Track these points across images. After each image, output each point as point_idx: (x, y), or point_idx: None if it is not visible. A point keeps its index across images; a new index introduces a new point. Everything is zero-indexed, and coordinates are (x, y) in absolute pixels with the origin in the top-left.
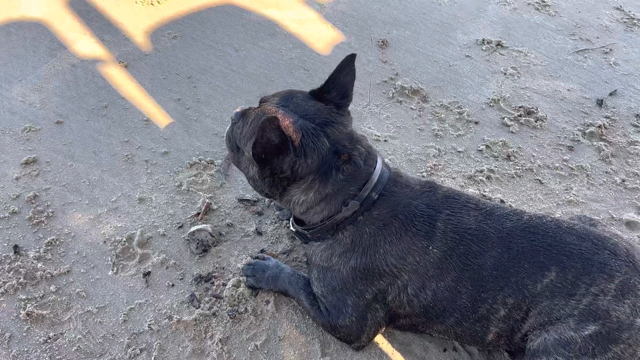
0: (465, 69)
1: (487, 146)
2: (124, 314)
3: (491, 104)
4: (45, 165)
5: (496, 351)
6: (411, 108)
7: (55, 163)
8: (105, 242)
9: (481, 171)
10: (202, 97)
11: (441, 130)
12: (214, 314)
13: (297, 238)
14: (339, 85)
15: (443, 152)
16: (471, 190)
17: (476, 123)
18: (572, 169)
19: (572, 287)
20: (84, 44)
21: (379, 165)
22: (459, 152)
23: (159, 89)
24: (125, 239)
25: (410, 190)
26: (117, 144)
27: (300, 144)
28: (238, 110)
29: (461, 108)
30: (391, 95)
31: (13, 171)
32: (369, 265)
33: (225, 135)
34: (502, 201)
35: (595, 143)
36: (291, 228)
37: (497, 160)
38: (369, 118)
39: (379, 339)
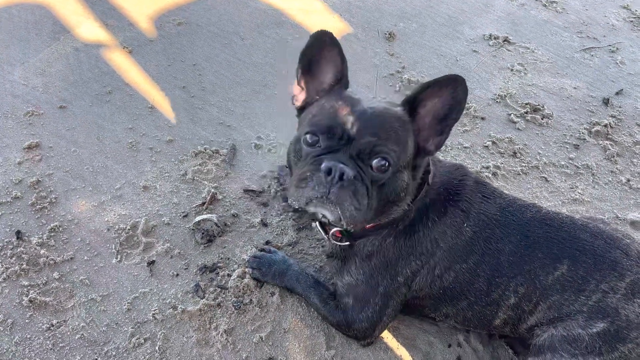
0: (472, 64)
1: (494, 142)
2: (128, 303)
3: (498, 100)
4: (48, 150)
5: (500, 347)
6: None
7: (59, 148)
8: (109, 229)
9: (487, 167)
10: (207, 86)
11: None
12: (218, 304)
13: (331, 240)
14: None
15: (449, 148)
16: None
17: (482, 119)
18: (577, 167)
19: (582, 282)
20: (88, 27)
21: None
22: (465, 147)
23: (163, 76)
24: (129, 227)
25: (445, 169)
26: (121, 131)
27: None
28: None
29: (468, 103)
30: (398, 88)
31: (15, 155)
32: (414, 243)
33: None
34: None
35: (601, 142)
36: (333, 232)
37: (503, 156)
38: None
39: (385, 334)
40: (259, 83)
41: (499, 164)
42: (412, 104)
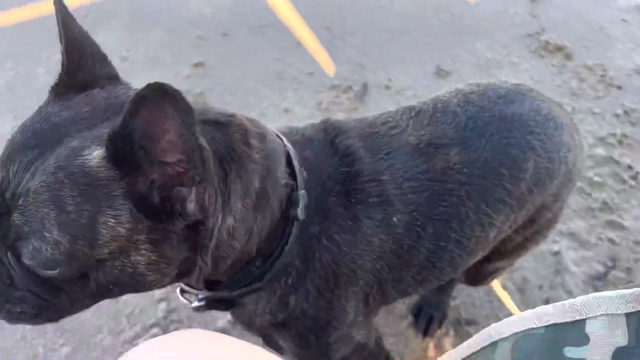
0: (618, 33)
1: (626, 112)
2: None
3: (639, 72)
4: (210, 69)
5: None
6: (552, 64)
7: (219, 68)
8: None
9: (613, 134)
10: (348, 29)
11: (579, 90)
12: None
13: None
14: (81, 48)
15: (577, 111)
16: (599, 151)
17: (619, 88)
18: None
19: None
20: None
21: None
22: (594, 113)
23: (312, 16)
24: None
25: (317, 144)
26: (270, 60)
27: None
28: None
29: (605, 71)
30: (534, 49)
31: (185, 70)
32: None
33: None
34: (629, 167)
35: None
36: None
37: (634, 126)
38: (507, 68)
39: None
40: (398, 31)
41: (627, 132)
42: (125, 141)
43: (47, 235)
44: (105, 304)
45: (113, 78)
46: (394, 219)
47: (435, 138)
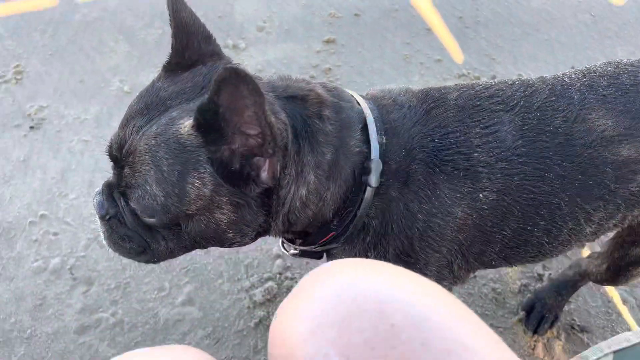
0: None
1: None
2: None
3: None
4: (340, 47)
5: None
6: None
7: (349, 47)
8: None
9: None
10: (482, 19)
11: None
12: None
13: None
14: (189, 31)
15: None
16: None
17: None
18: None
19: None
20: None
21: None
22: None
23: (444, 5)
24: None
25: (409, 110)
26: (399, 43)
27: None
28: None
29: None
30: None
31: (316, 45)
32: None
33: None
34: None
35: None
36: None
37: None
38: None
39: None
40: (532, 27)
41: None
42: (211, 113)
43: (148, 188)
44: (227, 252)
45: (216, 55)
46: (480, 195)
47: (541, 124)
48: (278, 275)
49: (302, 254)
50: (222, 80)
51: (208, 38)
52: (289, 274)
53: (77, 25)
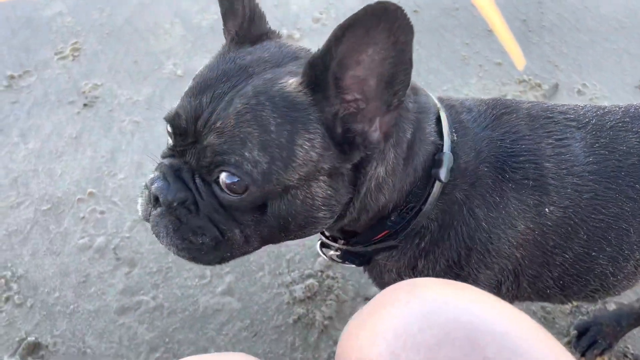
0: None
1: None
2: None
3: None
4: None
5: None
6: None
7: None
8: None
9: None
10: (546, 24)
11: None
12: None
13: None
14: (252, 6)
15: None
16: None
17: None
18: None
19: None
20: None
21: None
22: None
23: (507, 7)
24: None
25: (478, 114)
26: (458, 43)
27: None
28: None
29: None
30: None
31: None
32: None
33: None
34: None
35: None
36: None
37: None
38: None
39: None
40: (599, 35)
41: None
42: (322, 68)
43: (247, 154)
44: (269, 246)
45: (273, 33)
46: (546, 209)
47: (614, 142)
48: (319, 273)
49: (344, 257)
50: (357, 19)
51: (264, 17)
52: (330, 273)
53: (134, 5)
